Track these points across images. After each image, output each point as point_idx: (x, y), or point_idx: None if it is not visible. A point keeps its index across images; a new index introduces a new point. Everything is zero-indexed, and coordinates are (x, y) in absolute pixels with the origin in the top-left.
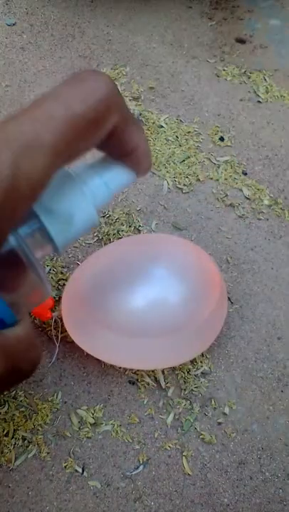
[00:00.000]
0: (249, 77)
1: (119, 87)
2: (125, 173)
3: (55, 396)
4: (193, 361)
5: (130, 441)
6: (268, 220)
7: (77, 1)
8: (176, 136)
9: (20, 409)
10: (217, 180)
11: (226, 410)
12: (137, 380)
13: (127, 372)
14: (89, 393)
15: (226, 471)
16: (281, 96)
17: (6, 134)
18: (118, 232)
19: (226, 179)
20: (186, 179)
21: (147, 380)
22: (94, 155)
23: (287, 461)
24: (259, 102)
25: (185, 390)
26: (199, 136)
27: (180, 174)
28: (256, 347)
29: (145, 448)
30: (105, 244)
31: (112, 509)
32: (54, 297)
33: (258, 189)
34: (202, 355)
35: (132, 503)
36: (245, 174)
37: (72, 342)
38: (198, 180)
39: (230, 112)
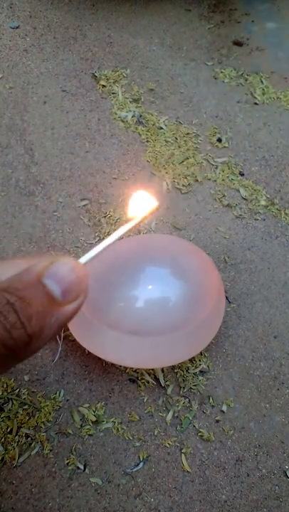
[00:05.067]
0: (246, 80)
1: (119, 89)
2: None
3: (58, 394)
4: (192, 359)
5: (131, 438)
6: (264, 220)
7: (79, 4)
8: (176, 138)
9: (24, 407)
10: (215, 181)
11: (224, 408)
12: (137, 378)
13: (127, 371)
14: (90, 391)
15: (224, 468)
16: (277, 98)
17: None
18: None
19: (223, 180)
20: (185, 180)
21: (147, 378)
22: None
23: (283, 458)
24: (256, 103)
25: (184, 388)
26: (198, 138)
27: (179, 175)
28: (253, 345)
29: (145, 445)
30: None
31: (113, 505)
32: None
33: (255, 190)
34: (201, 353)
35: (133, 500)
36: (242, 175)
37: (74, 340)
38: (197, 180)
39: (228, 113)
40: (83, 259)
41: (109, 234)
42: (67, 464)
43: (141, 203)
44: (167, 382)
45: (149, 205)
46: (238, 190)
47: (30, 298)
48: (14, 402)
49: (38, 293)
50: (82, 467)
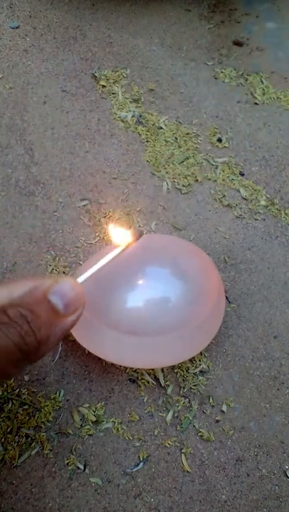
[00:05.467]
0: (246, 79)
1: (119, 89)
2: None
3: (58, 394)
4: (192, 360)
5: (130, 438)
6: (264, 220)
7: (78, 4)
8: (176, 138)
9: (24, 407)
10: (215, 181)
11: (224, 408)
12: (137, 378)
13: (127, 371)
14: (90, 391)
15: (224, 468)
16: (277, 98)
17: None
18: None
19: (223, 180)
20: (185, 180)
21: (147, 378)
22: None
23: (283, 458)
24: (256, 103)
25: (184, 388)
26: (198, 138)
27: (179, 175)
28: (253, 345)
29: (145, 445)
30: (106, 244)
31: (112, 505)
32: None
33: (255, 190)
34: (201, 353)
35: (133, 500)
36: (243, 175)
37: (74, 340)
38: (197, 181)
39: (228, 113)
40: (80, 279)
41: (109, 234)
42: (67, 463)
43: (123, 234)
44: (167, 382)
45: (129, 237)
46: (238, 190)
47: (39, 311)
48: (14, 402)
49: (45, 307)
50: (82, 467)
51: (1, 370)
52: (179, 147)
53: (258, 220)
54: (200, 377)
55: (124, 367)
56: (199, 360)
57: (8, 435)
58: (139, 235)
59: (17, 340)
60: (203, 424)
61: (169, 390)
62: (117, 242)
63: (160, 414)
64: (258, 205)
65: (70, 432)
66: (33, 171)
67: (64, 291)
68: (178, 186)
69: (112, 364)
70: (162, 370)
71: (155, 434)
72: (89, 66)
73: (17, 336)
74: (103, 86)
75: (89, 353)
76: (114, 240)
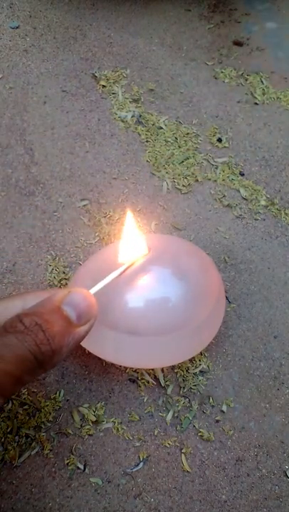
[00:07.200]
0: (246, 80)
1: (119, 89)
2: None
3: (58, 394)
4: (192, 360)
5: (130, 438)
6: (264, 220)
7: (79, 4)
8: (176, 138)
9: (24, 407)
10: (215, 181)
11: (224, 408)
12: (137, 378)
13: (127, 371)
14: (90, 391)
15: (224, 468)
16: (277, 98)
17: None
18: (119, 232)
19: (223, 180)
20: (185, 180)
21: (147, 378)
22: None
23: (283, 458)
24: (256, 103)
25: (184, 388)
26: (198, 138)
27: (179, 175)
28: (253, 346)
29: (145, 445)
30: (106, 244)
31: (112, 505)
32: None
33: (255, 190)
34: (201, 353)
35: (133, 500)
36: (243, 175)
37: None
38: (197, 181)
39: (228, 113)
40: (93, 290)
41: (109, 234)
42: (67, 464)
43: (133, 246)
44: (167, 382)
45: (141, 250)
46: (238, 191)
47: (53, 321)
48: (14, 402)
49: (58, 317)
50: (82, 467)
51: (19, 378)
52: (179, 147)
53: (258, 220)
54: (200, 377)
55: (124, 367)
56: (199, 360)
57: (8, 435)
58: (149, 250)
59: (33, 349)
60: (203, 424)
61: (169, 390)
62: (127, 258)
63: (160, 414)
64: (258, 205)
65: (70, 432)
66: (33, 171)
67: (77, 301)
68: (178, 186)
69: (112, 364)
70: (162, 370)
71: (155, 434)
72: (89, 66)
73: (33, 345)
74: (103, 86)
75: (89, 353)
76: (124, 253)
